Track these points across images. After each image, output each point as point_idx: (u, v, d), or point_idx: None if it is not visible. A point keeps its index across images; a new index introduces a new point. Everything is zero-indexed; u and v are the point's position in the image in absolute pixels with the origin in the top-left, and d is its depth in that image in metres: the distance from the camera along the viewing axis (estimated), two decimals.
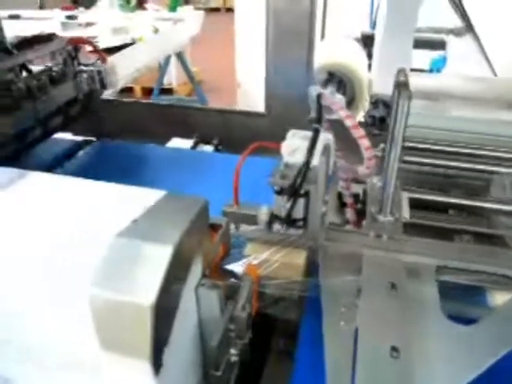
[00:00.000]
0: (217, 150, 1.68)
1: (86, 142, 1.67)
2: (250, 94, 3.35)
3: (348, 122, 0.83)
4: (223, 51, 4.82)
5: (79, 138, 1.70)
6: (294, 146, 0.89)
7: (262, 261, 0.91)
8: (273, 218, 0.91)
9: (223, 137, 1.73)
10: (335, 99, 0.86)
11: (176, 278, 0.63)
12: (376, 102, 1.35)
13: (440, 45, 2.17)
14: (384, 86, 1.62)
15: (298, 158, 0.87)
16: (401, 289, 0.83)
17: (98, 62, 1.60)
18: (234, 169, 1.41)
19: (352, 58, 1.88)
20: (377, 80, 1.47)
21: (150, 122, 1.81)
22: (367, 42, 2.44)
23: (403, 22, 1.45)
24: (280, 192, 0.86)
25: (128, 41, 3.08)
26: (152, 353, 0.58)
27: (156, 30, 3.23)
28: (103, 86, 1.62)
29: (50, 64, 1.42)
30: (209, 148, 1.68)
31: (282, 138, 1.75)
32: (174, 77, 4.03)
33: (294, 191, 0.83)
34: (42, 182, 0.78)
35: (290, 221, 0.87)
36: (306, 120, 1.66)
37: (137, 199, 0.71)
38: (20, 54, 1.36)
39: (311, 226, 0.88)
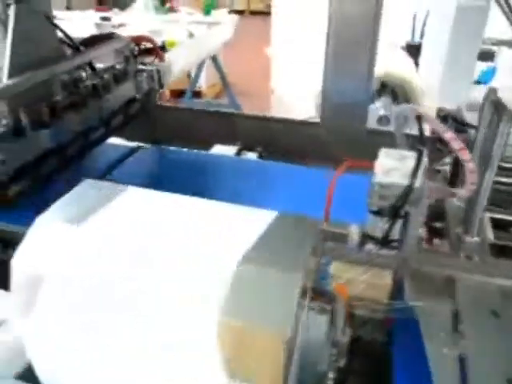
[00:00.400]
0: (261, 157, 1.66)
1: (139, 148, 1.66)
2: (285, 100, 3.33)
3: (455, 145, 0.80)
4: (252, 55, 4.82)
5: (130, 143, 1.69)
6: (388, 165, 0.87)
7: (348, 280, 0.89)
8: (365, 237, 0.88)
9: (269, 144, 1.71)
10: (440, 124, 0.83)
11: (300, 305, 0.61)
12: (445, 117, 1.32)
13: (489, 56, 2.14)
14: (448, 98, 1.61)
15: (395, 179, 0.85)
16: (504, 316, 0.80)
17: (156, 60, 1.60)
18: (296, 180, 1.40)
19: (404, 68, 1.87)
20: (441, 92, 1.45)
21: (197, 128, 1.80)
22: (412, 51, 2.43)
23: (470, 35, 1.43)
24: (377, 213, 0.84)
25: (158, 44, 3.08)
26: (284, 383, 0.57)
27: (191, 34, 3.22)
28: (161, 86, 1.61)
29: (112, 62, 1.41)
30: (253, 155, 1.66)
31: (336, 148, 1.74)
32: (203, 80, 4.03)
33: (394, 212, 0.81)
34: (143, 198, 0.77)
35: (386, 242, 0.84)
36: (362, 132, 1.66)
37: (249, 220, 0.69)
38: (86, 52, 1.35)
39: (406, 247, 0.86)
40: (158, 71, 1.58)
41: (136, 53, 1.50)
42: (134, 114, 1.53)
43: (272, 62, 3.35)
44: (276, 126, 1.75)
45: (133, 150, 1.62)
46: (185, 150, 1.63)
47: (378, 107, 1.65)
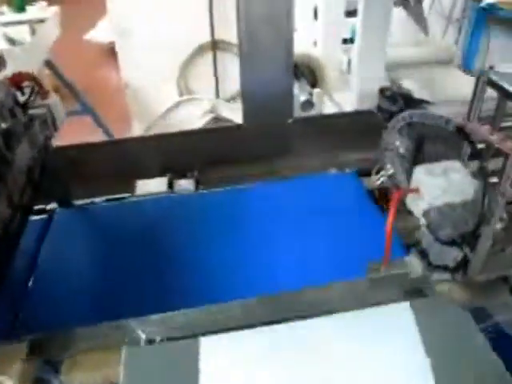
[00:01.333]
0: (197, 182, 1.46)
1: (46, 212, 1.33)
2: (143, 93, 3.03)
3: (504, 146, 0.76)
4: (76, 46, 4.25)
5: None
6: (438, 186, 0.80)
7: None
8: (431, 268, 0.82)
9: (193, 163, 1.51)
10: (480, 127, 0.77)
11: None
12: (393, 96, 1.30)
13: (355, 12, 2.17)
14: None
15: (455, 200, 0.79)
16: None
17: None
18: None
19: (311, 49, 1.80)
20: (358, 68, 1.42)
21: (107, 165, 1.50)
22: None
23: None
24: (452, 242, 0.77)
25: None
26: None
27: (11, 40, 2.70)
28: (56, 129, 1.28)
29: None
30: (188, 183, 1.44)
31: (261, 152, 1.61)
32: None
33: (475, 237, 0.75)
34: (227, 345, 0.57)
35: (464, 268, 0.79)
36: (289, 123, 1.55)
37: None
38: None
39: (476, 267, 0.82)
40: (51, 112, 1.24)
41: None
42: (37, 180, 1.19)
43: (119, 53, 2.97)
44: (198, 138, 1.54)
45: (49, 218, 1.29)
46: (104, 202, 1.35)
47: (298, 93, 1.56)
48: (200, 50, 3.09)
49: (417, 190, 0.82)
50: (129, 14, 2.82)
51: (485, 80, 0.93)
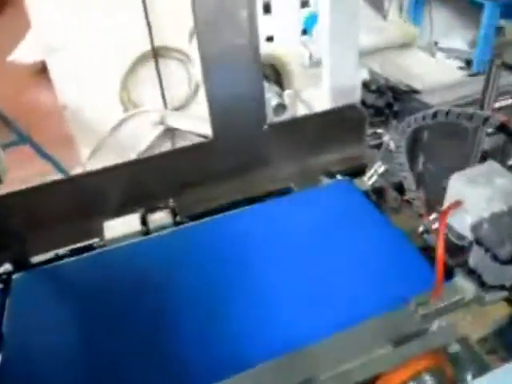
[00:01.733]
0: (175, 214, 1.28)
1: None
2: (84, 115, 2.78)
3: None
4: None
5: None
6: (484, 196, 0.68)
7: None
8: (485, 289, 0.70)
9: (164, 191, 1.34)
10: None
11: None
12: (379, 90, 1.18)
13: (306, 2, 2.05)
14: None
15: (503, 208, 0.67)
16: None
17: None
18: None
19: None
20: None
21: (64, 209, 1.30)
22: None
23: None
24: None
25: None
26: None
27: None
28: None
29: None
30: (164, 216, 1.26)
31: (237, 165, 1.45)
32: None
33: None
34: None
35: None
36: (263, 131, 1.40)
37: None
38: None
39: None
40: None
41: None
42: None
43: (51, 72, 2.70)
44: (165, 162, 1.36)
45: (6, 285, 1.08)
46: (69, 254, 1.15)
47: (268, 97, 1.41)
48: (141, 60, 2.88)
49: (459, 203, 0.70)
50: (57, 29, 2.56)
51: (499, 63, 0.82)
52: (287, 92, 1.50)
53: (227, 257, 1.02)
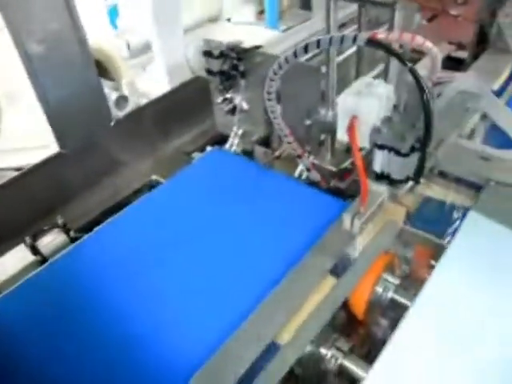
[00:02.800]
0: (67, 230, 1.12)
1: None
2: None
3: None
4: None
5: None
6: (371, 104, 0.76)
7: None
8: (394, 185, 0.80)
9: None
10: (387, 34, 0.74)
11: None
12: (222, 54, 1.19)
13: None
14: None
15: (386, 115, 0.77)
16: None
17: None
18: None
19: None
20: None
21: None
22: None
23: None
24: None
25: None
26: None
27: None
28: None
29: None
30: (56, 236, 1.09)
31: (97, 170, 1.31)
32: None
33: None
34: None
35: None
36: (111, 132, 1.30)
37: None
38: None
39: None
40: None
41: None
42: None
43: None
44: (16, 189, 1.18)
45: None
46: None
47: (107, 92, 1.33)
48: None
49: (356, 117, 0.76)
50: None
51: None
52: (125, 81, 1.42)
53: (137, 254, 0.95)
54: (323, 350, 0.66)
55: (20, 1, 1.04)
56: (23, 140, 2.45)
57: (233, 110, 1.32)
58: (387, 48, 0.74)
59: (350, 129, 0.74)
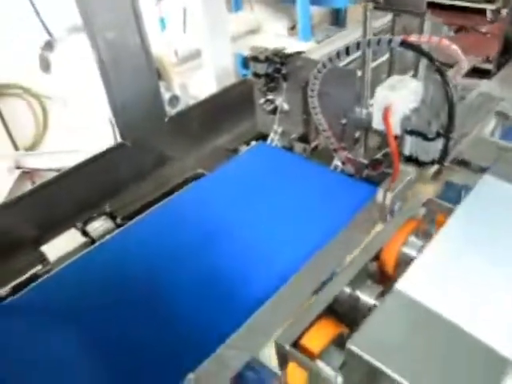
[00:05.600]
0: (114, 217, 1.28)
1: None
2: None
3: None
4: None
5: None
6: (405, 96, 0.89)
7: None
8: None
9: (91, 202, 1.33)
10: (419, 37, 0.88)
11: None
12: (268, 59, 1.34)
13: None
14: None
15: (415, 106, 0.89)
16: None
17: None
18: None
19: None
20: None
21: None
22: None
23: None
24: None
25: None
26: None
27: None
28: None
29: None
30: (104, 222, 1.25)
31: (150, 162, 1.48)
32: None
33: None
34: None
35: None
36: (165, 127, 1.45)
37: None
38: None
39: None
40: None
41: None
42: None
43: None
44: (77, 178, 1.35)
45: None
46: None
47: (161, 92, 1.49)
48: None
49: (390, 107, 0.90)
50: None
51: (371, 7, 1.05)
52: (177, 83, 1.59)
53: (180, 239, 1.08)
54: (358, 292, 0.78)
55: (97, 11, 1.21)
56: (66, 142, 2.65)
57: (273, 111, 1.47)
58: (418, 49, 0.87)
59: (385, 117, 0.87)
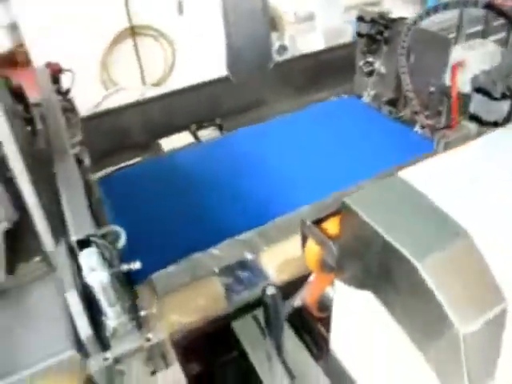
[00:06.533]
0: (221, 128, 1.53)
1: None
2: None
3: None
4: None
5: None
6: (479, 57, 0.96)
7: None
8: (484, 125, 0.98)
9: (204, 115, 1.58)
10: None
11: None
12: (373, 20, 1.45)
13: None
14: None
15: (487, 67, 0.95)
16: None
17: None
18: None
19: None
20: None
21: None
22: None
23: None
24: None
25: None
26: None
27: None
28: None
29: None
30: (212, 131, 1.51)
31: (250, 98, 1.68)
32: None
33: None
34: None
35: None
36: (269, 71, 1.64)
37: None
38: None
39: None
40: None
41: None
42: None
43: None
44: (193, 95, 1.58)
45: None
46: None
47: (272, 40, 1.66)
48: (118, 39, 3.02)
49: (462, 62, 0.97)
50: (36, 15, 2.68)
51: None
52: (287, 35, 1.75)
53: (261, 152, 1.32)
54: None
55: None
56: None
57: (370, 73, 1.57)
58: (502, 11, 0.94)
59: (453, 70, 0.96)
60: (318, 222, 0.75)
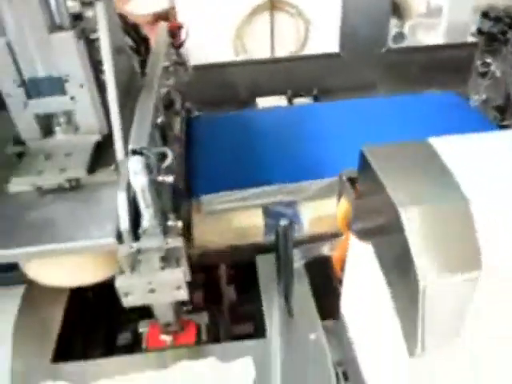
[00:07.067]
0: (316, 99, 1.61)
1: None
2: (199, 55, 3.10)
3: None
4: None
5: None
6: None
7: None
8: None
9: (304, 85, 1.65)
10: None
11: None
12: (497, 17, 1.37)
13: None
14: None
15: None
16: None
17: None
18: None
19: None
20: None
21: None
22: None
23: None
24: None
25: None
26: None
27: None
28: None
29: None
30: (307, 100, 1.59)
31: (357, 78, 1.70)
32: None
33: None
34: None
35: None
36: (382, 52, 1.64)
37: None
38: None
39: None
40: None
41: None
42: None
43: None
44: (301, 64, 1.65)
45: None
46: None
47: (391, 26, 1.64)
48: (257, 10, 3.16)
49: None
50: None
51: None
52: (409, 23, 1.72)
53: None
54: None
55: None
56: None
57: (484, 74, 1.48)
58: None
59: None
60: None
